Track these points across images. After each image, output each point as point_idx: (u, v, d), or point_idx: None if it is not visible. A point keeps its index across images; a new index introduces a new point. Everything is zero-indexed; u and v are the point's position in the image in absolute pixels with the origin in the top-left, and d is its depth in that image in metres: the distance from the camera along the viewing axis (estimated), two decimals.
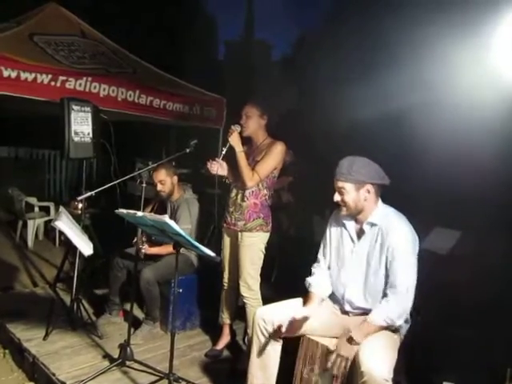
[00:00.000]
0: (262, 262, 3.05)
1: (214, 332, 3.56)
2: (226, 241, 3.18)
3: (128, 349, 2.92)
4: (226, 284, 3.27)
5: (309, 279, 2.47)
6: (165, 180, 3.50)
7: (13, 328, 3.39)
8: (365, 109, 3.92)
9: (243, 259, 3.01)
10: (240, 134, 2.93)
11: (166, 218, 2.17)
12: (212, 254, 2.28)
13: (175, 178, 3.58)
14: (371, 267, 2.25)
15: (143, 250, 3.22)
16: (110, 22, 7.80)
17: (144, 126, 6.29)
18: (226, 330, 3.35)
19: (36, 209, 6.13)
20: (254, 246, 3.00)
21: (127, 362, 2.91)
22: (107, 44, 5.30)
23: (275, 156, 2.95)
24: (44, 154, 8.53)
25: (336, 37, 6.36)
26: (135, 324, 3.40)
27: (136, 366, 2.91)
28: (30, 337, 3.26)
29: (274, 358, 2.35)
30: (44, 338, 3.23)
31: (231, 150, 2.88)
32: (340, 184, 2.23)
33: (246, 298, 3.07)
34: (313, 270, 2.53)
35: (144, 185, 2.94)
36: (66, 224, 2.84)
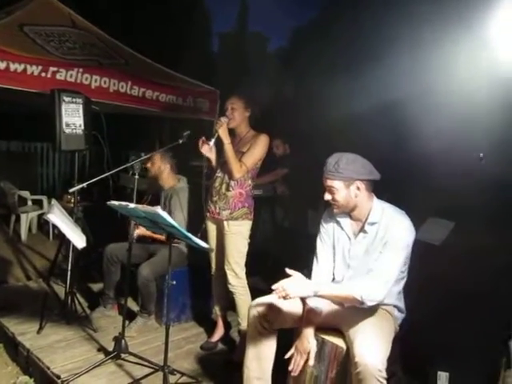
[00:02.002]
0: (246, 249, 3.08)
1: (209, 324, 3.58)
2: (211, 230, 3.19)
3: (122, 341, 2.91)
4: (214, 273, 3.27)
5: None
6: (155, 163, 3.57)
7: (6, 322, 3.37)
8: (360, 102, 3.91)
9: (230, 248, 3.02)
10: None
11: (158, 210, 2.15)
12: (205, 245, 2.27)
13: (167, 166, 3.60)
14: (369, 263, 2.23)
15: (136, 231, 3.21)
16: (102, 12, 7.69)
17: (137, 118, 6.24)
18: (220, 322, 3.36)
19: (29, 202, 6.10)
20: (240, 235, 3.03)
21: (122, 355, 2.91)
22: (99, 34, 5.19)
23: (261, 147, 3.00)
24: (36, 146, 8.46)
25: (331, 29, 6.32)
26: (130, 317, 3.39)
27: (131, 358, 2.90)
28: (24, 330, 3.25)
29: (270, 349, 2.34)
30: (38, 332, 3.22)
31: (218, 141, 2.92)
32: (329, 182, 2.19)
33: (233, 287, 3.07)
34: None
35: (137, 177, 2.92)
36: (58, 217, 2.82)
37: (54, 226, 5.77)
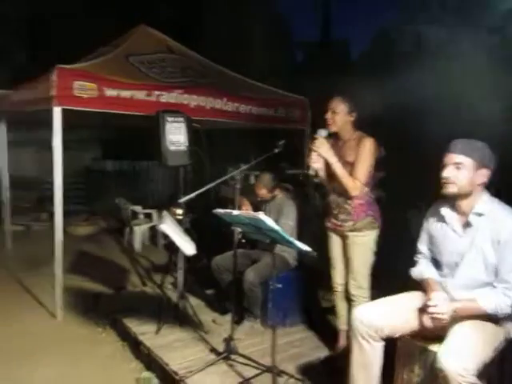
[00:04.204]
0: (373, 260, 2.99)
1: (312, 329, 3.62)
2: (333, 241, 3.12)
3: (232, 343, 3.09)
4: (336, 286, 3.19)
5: (419, 268, 2.39)
6: (261, 188, 3.81)
7: (128, 323, 3.74)
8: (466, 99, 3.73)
9: (354, 258, 2.96)
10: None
11: (261, 215, 2.26)
12: (308, 248, 2.33)
13: (274, 189, 3.83)
14: (477, 259, 2.13)
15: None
16: (187, 32, 8.18)
17: (231, 132, 6.55)
18: (342, 336, 3.25)
19: (141, 216, 6.67)
20: (365, 245, 2.95)
21: (232, 356, 3.08)
22: (191, 56, 5.62)
23: (368, 156, 2.87)
24: (144, 165, 9.23)
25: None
26: (238, 320, 3.56)
27: (240, 359, 3.06)
28: (144, 331, 3.58)
29: (376, 359, 2.26)
30: (156, 332, 3.52)
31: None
32: (459, 159, 2.07)
33: (354, 296, 3.00)
34: (417, 260, 2.45)
35: (238, 186, 3.08)
36: (169, 226, 3.08)
37: (164, 237, 6.28)
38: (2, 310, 4.32)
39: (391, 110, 5.18)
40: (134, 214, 6.63)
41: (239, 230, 2.98)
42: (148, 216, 6.73)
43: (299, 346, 3.43)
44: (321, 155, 2.81)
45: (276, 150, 3.11)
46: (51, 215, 7.51)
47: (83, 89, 3.97)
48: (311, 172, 2.85)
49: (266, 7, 12.11)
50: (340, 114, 2.90)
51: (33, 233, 7.23)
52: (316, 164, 2.84)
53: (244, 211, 2.55)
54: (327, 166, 2.91)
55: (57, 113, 3.85)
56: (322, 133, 2.87)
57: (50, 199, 7.73)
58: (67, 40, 7.68)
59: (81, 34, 7.43)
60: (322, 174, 3.01)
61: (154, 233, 6.60)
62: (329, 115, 2.93)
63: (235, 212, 2.41)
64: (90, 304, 4.38)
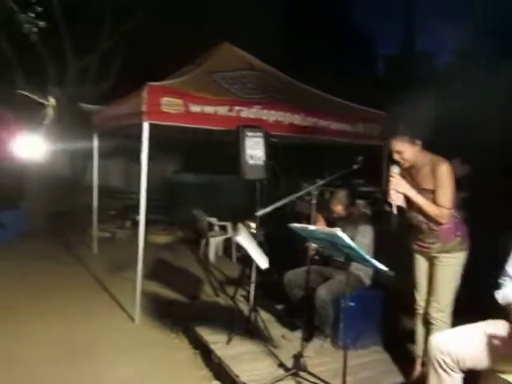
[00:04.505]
0: (458, 283, 2.89)
1: (387, 353, 3.47)
2: (419, 263, 3.05)
3: (301, 360, 3.04)
4: (419, 308, 3.09)
5: (504, 291, 2.23)
6: (337, 205, 3.76)
7: (201, 331, 3.83)
8: None
9: (439, 280, 2.88)
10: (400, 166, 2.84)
11: (338, 231, 2.23)
12: (384, 268, 2.25)
13: (349, 206, 3.78)
14: None
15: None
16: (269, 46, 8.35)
17: (307, 147, 6.55)
18: (418, 363, 3.11)
19: (216, 228, 6.86)
20: (452, 267, 2.86)
21: (300, 373, 3.03)
22: (272, 72, 5.74)
23: (448, 181, 2.78)
24: (220, 178, 9.50)
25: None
26: (307, 338, 3.51)
27: (308, 377, 3.00)
28: (215, 340, 3.64)
29: None
30: (227, 343, 3.57)
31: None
32: None
33: (434, 320, 2.90)
34: (502, 282, 2.29)
35: (314, 202, 3.07)
36: (245, 239, 3.13)
37: (237, 250, 6.39)
38: (85, 308, 4.64)
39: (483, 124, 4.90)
40: (210, 226, 6.83)
41: (314, 245, 2.96)
42: (223, 228, 6.90)
43: (371, 369, 3.30)
44: (399, 192, 2.78)
45: (355, 167, 3.07)
46: (134, 223, 8.04)
47: (170, 104, 4.20)
48: (392, 209, 2.78)
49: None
50: (406, 152, 2.82)
51: (117, 239, 7.71)
52: (396, 201, 2.79)
53: (320, 227, 2.53)
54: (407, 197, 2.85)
55: (146, 127, 4.10)
56: (395, 170, 2.82)
57: (134, 208, 8.28)
58: (154, 58, 8.19)
59: (166, 52, 7.89)
60: (403, 205, 2.92)
61: (228, 245, 6.74)
62: (396, 156, 2.86)
63: (311, 227, 2.40)
64: (165, 310, 4.55)
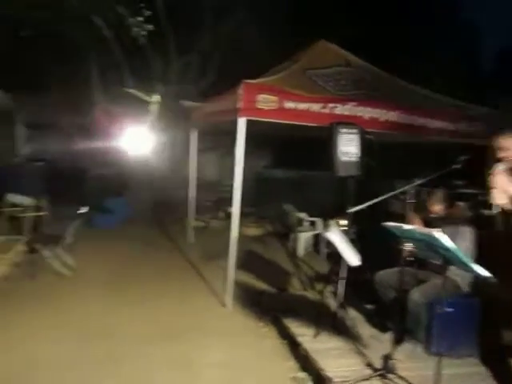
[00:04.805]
0: None
1: (486, 366, 3.26)
2: None
3: (391, 362, 2.99)
4: None
5: None
6: (440, 210, 3.60)
7: (288, 323, 3.92)
8: None
9: None
10: None
11: (436, 232, 2.16)
12: (486, 273, 2.14)
13: (449, 207, 3.60)
14: None
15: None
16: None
17: (402, 145, 6.31)
18: None
19: (305, 223, 6.90)
20: None
21: (389, 375, 2.98)
22: (368, 68, 5.61)
23: None
24: (311, 174, 9.53)
25: None
26: (398, 340, 3.42)
27: (397, 380, 2.94)
28: (302, 333, 3.70)
29: None
30: (314, 336, 3.61)
31: None
32: None
33: None
34: None
35: (410, 201, 2.98)
36: (336, 235, 3.14)
37: (327, 246, 6.38)
38: (180, 292, 4.99)
39: None
40: (300, 221, 6.89)
41: (409, 246, 2.87)
42: (312, 224, 6.92)
43: (467, 381, 3.13)
44: (503, 190, 2.62)
45: (456, 166, 2.93)
46: (227, 214, 8.37)
47: (265, 101, 4.32)
48: (495, 210, 2.63)
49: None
50: None
51: (211, 229, 8.09)
52: (499, 201, 2.65)
53: (417, 226, 2.46)
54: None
55: (242, 123, 4.27)
56: (500, 167, 2.69)
57: (226, 200, 8.61)
58: (252, 56, 8.41)
59: (264, 50, 8.06)
60: (509, 206, 2.73)
61: (317, 241, 6.76)
62: (502, 154, 2.72)
63: (407, 226, 2.34)
64: (255, 299, 4.72)
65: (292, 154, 9.45)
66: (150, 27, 7.28)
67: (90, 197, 7.29)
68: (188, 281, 5.38)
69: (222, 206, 8.68)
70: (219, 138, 9.32)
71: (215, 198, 9.43)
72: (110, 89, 8.54)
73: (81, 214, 5.10)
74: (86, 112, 9.17)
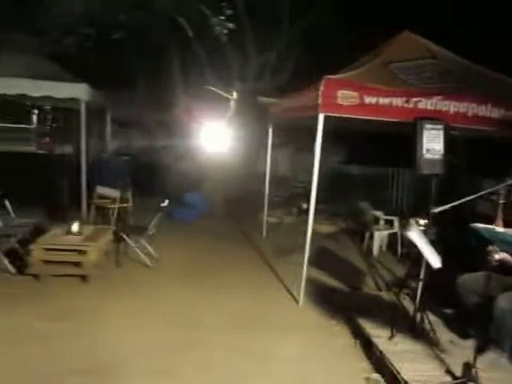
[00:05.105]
0: None
1: None
2: None
3: (473, 371, 2.83)
4: None
5: None
6: None
7: (363, 323, 3.85)
8: None
9: None
10: None
11: None
12: None
13: None
14: None
15: (497, 256, 3.01)
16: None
17: (490, 140, 5.90)
18: None
19: (381, 222, 6.71)
20: None
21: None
22: (456, 60, 5.31)
23: None
24: (388, 171, 9.23)
25: None
26: (481, 348, 3.22)
27: None
28: (377, 334, 3.62)
29: None
30: (389, 338, 3.52)
31: None
32: None
33: None
34: None
35: (501, 201, 2.79)
36: (417, 235, 3.03)
37: (403, 246, 6.18)
38: (253, 285, 5.10)
39: None
40: (376, 219, 6.71)
41: (497, 249, 2.69)
42: (389, 222, 6.71)
43: None
44: None
45: None
46: (299, 210, 8.38)
47: (345, 97, 4.26)
48: None
49: None
50: None
51: (284, 225, 8.13)
52: None
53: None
54: None
55: (321, 119, 4.25)
56: None
57: (299, 196, 8.61)
58: (328, 52, 8.30)
59: (342, 45, 7.92)
60: None
61: (393, 240, 6.56)
62: None
63: (499, 229, 2.21)
64: (327, 296, 4.69)
65: (367, 150, 9.20)
66: (231, 25, 7.44)
67: (170, 191, 7.63)
68: (261, 274, 5.47)
69: (295, 202, 8.69)
70: (291, 134, 9.32)
71: (287, 194, 9.46)
72: (191, 86, 8.87)
73: (163, 206, 5.36)
74: (167, 109, 9.61)
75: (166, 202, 5.39)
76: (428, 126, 3.64)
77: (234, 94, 8.48)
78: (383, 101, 4.36)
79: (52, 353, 3.35)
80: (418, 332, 3.57)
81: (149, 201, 6.01)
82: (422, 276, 3.68)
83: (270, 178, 7.07)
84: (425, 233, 3.61)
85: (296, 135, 9.12)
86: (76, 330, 3.72)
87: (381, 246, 6.56)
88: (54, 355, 3.32)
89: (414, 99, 4.42)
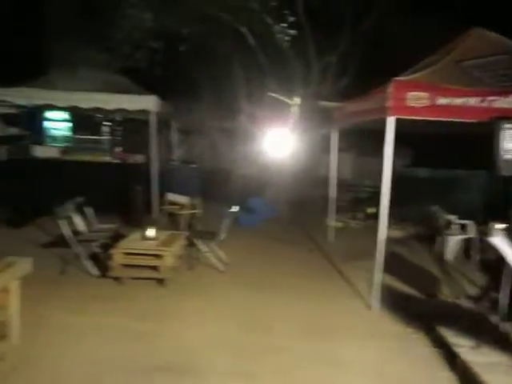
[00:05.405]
0: None
1: None
2: None
3: None
4: None
5: None
6: None
7: (444, 331, 3.73)
8: None
9: None
10: None
11: None
12: None
13: None
14: None
15: None
16: None
17: None
18: None
19: (455, 226, 6.42)
20: None
21: None
22: None
23: None
24: (459, 173, 8.84)
25: None
26: None
27: None
28: (460, 343, 3.49)
29: None
30: (473, 348, 3.38)
31: None
32: None
33: None
34: None
35: None
36: (502, 241, 2.90)
37: (480, 252, 5.88)
38: (322, 291, 5.06)
39: None
40: (448, 224, 6.43)
41: None
42: (462, 227, 6.41)
43: None
44: None
45: None
46: (366, 215, 8.23)
47: (415, 98, 4.16)
48: None
49: None
50: None
51: (349, 229, 8.02)
52: None
53: None
54: None
55: (391, 122, 4.17)
56: None
57: (365, 200, 8.46)
58: (392, 54, 8.09)
59: (406, 47, 7.69)
60: None
61: (467, 245, 6.26)
62: None
63: None
64: (401, 303, 4.57)
65: (436, 152, 8.86)
66: (293, 32, 7.46)
67: (235, 196, 7.78)
68: (330, 280, 5.43)
69: (359, 207, 8.54)
70: (353, 138, 9.19)
71: (349, 198, 9.31)
72: (253, 93, 8.99)
73: (232, 212, 5.49)
74: (231, 117, 9.81)
75: (236, 208, 5.51)
76: (507, 125, 3.48)
77: (296, 100, 8.50)
78: (457, 101, 4.20)
79: (139, 350, 3.55)
80: (503, 343, 3.40)
81: (216, 207, 6.17)
82: (506, 284, 3.50)
83: (334, 183, 7.02)
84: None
85: (358, 139, 8.98)
86: (158, 331, 3.91)
87: (454, 252, 6.28)
88: (141, 353, 3.52)
89: (490, 98, 4.22)
